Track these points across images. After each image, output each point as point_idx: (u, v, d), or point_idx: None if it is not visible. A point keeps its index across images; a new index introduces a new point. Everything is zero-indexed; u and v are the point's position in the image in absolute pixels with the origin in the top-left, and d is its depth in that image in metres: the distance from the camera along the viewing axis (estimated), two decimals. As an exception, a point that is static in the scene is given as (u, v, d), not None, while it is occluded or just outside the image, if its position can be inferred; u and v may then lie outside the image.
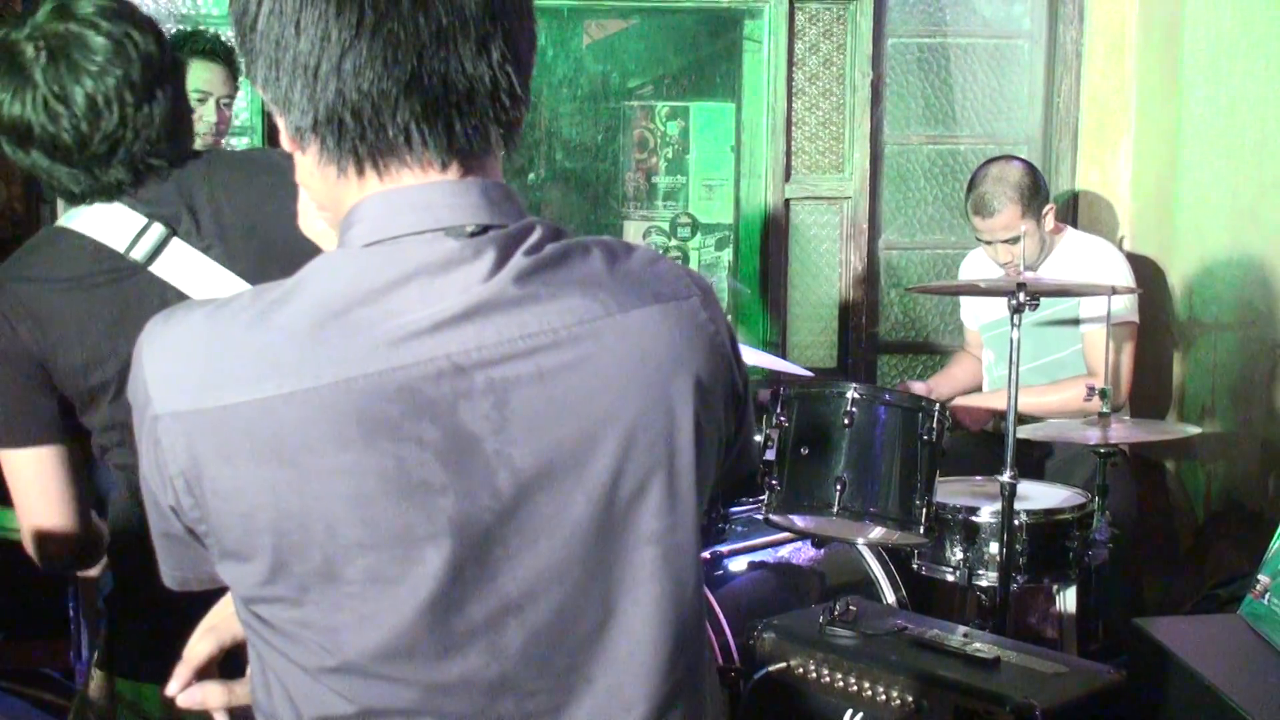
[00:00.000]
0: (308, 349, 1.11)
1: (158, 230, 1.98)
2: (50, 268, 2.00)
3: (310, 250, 1.33)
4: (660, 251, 4.91)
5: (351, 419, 1.11)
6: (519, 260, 1.16)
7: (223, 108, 3.76)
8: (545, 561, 1.16)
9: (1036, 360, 4.12)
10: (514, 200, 1.21)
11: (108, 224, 1.99)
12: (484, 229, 1.16)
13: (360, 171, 1.17)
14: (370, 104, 1.13)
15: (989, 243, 4.11)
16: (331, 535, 1.12)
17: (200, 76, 3.67)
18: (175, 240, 2.00)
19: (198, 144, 3.30)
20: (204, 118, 3.67)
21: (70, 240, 2.00)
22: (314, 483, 1.11)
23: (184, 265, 2.00)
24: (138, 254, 1.98)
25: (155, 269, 1.99)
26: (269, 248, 2.01)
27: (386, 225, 1.16)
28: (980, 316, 4.38)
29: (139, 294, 1.99)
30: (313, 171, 1.20)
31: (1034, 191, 4.05)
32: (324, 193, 1.21)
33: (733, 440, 1.31)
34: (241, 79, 3.75)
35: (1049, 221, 4.12)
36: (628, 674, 1.20)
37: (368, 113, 1.13)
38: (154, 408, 1.14)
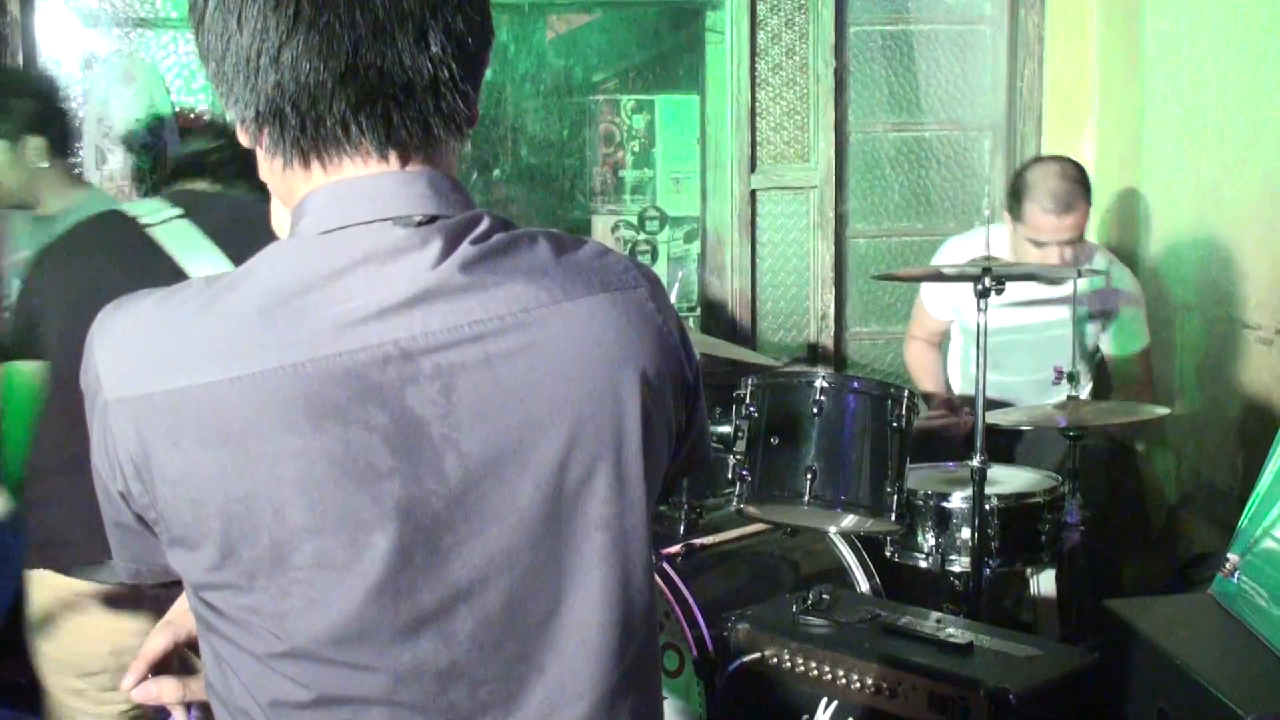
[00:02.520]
0: (255, 334, 1.12)
1: None
2: None
3: None
4: (629, 246, 4.92)
5: (299, 403, 1.12)
6: (466, 249, 1.17)
7: None
8: (494, 547, 1.17)
9: (1038, 374, 4.10)
10: (462, 192, 1.22)
11: None
12: (431, 219, 1.18)
13: (305, 163, 1.19)
14: (308, 95, 1.15)
15: (1042, 245, 3.91)
16: (279, 520, 1.13)
17: None
18: None
19: None
20: None
21: None
22: (262, 467, 1.12)
23: None
24: None
25: None
26: None
27: (335, 215, 1.17)
28: (962, 314, 4.26)
29: None
30: (265, 164, 1.23)
31: (1090, 190, 3.99)
32: (277, 184, 1.24)
33: (685, 430, 1.32)
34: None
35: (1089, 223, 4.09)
36: (578, 660, 1.21)
37: (305, 104, 1.15)
38: (105, 394, 1.15)
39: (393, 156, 1.19)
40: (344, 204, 1.17)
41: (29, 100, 3.74)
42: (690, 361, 1.29)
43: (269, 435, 1.12)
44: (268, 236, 2.10)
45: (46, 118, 3.76)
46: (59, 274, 2.31)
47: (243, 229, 2.19)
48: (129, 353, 1.15)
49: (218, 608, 1.17)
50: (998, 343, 4.14)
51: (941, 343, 4.48)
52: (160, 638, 1.44)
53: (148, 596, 2.29)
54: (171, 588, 1.30)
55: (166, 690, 1.39)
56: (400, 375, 1.13)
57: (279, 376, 1.11)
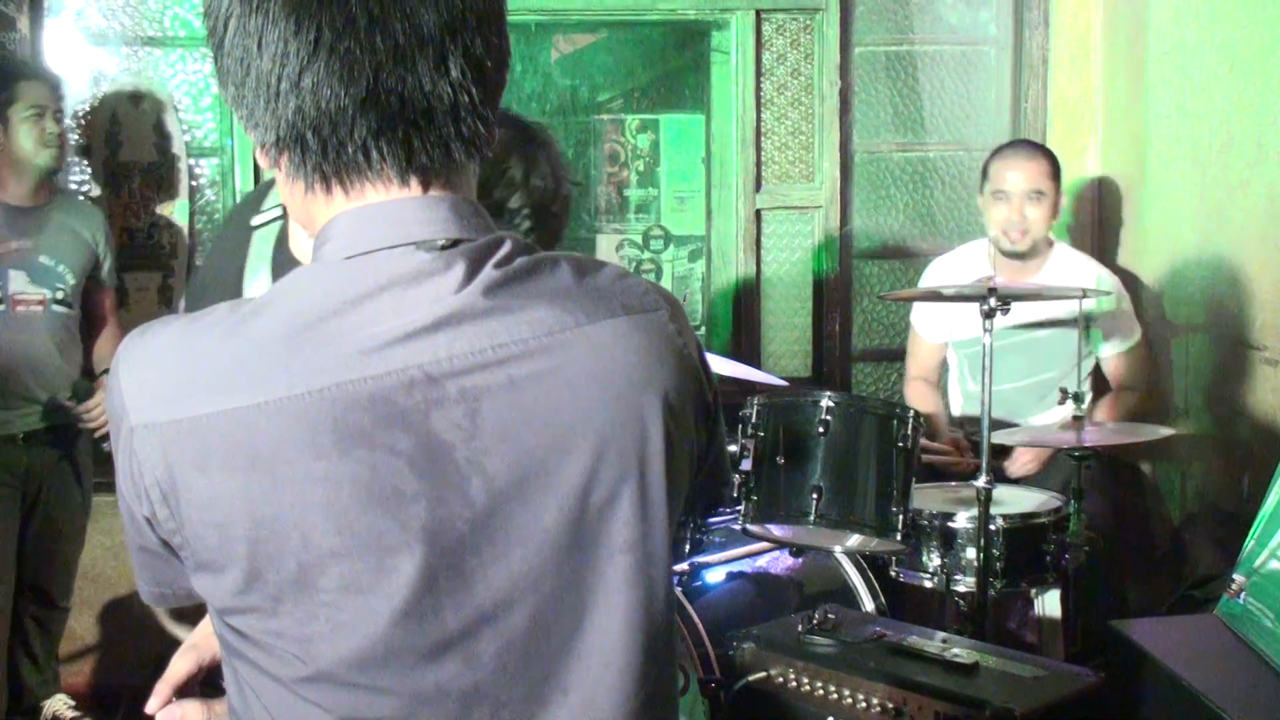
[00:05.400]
0: (281, 359, 1.12)
1: None
2: None
3: None
4: (634, 265, 4.92)
5: (325, 428, 1.12)
6: (489, 273, 1.17)
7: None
8: (519, 570, 1.17)
9: (1030, 378, 4.12)
10: (482, 216, 1.22)
11: None
12: (454, 243, 1.18)
13: (327, 188, 1.19)
14: (329, 120, 1.15)
15: (1004, 196, 4.08)
16: (306, 544, 1.13)
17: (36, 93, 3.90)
18: None
19: (46, 155, 3.81)
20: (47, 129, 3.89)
21: None
22: (288, 491, 1.12)
23: None
24: None
25: None
26: None
27: (358, 240, 1.17)
28: (953, 332, 4.32)
29: None
30: (286, 188, 1.23)
31: (1058, 164, 4.17)
32: (298, 209, 1.24)
33: (705, 452, 1.32)
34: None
35: (1058, 210, 4.17)
36: (601, 685, 1.20)
37: (326, 129, 1.15)
38: (130, 419, 1.15)
39: (414, 181, 1.19)
40: (367, 229, 1.18)
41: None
42: (710, 383, 1.29)
43: (295, 460, 1.12)
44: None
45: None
46: (205, 257, 2.31)
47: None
48: (155, 378, 1.15)
49: (242, 632, 1.17)
50: (977, 353, 4.17)
51: (941, 379, 4.48)
52: (185, 661, 1.44)
53: None
54: None
55: (191, 713, 1.38)
56: (425, 399, 1.13)
57: (305, 401, 1.12)
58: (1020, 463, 4.09)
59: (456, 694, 1.17)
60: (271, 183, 2.23)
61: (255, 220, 2.16)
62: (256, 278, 2.15)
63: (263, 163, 1.23)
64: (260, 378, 1.12)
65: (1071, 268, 4.18)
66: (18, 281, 3.85)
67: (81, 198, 4.37)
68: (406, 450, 1.13)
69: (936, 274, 4.35)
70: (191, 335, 1.16)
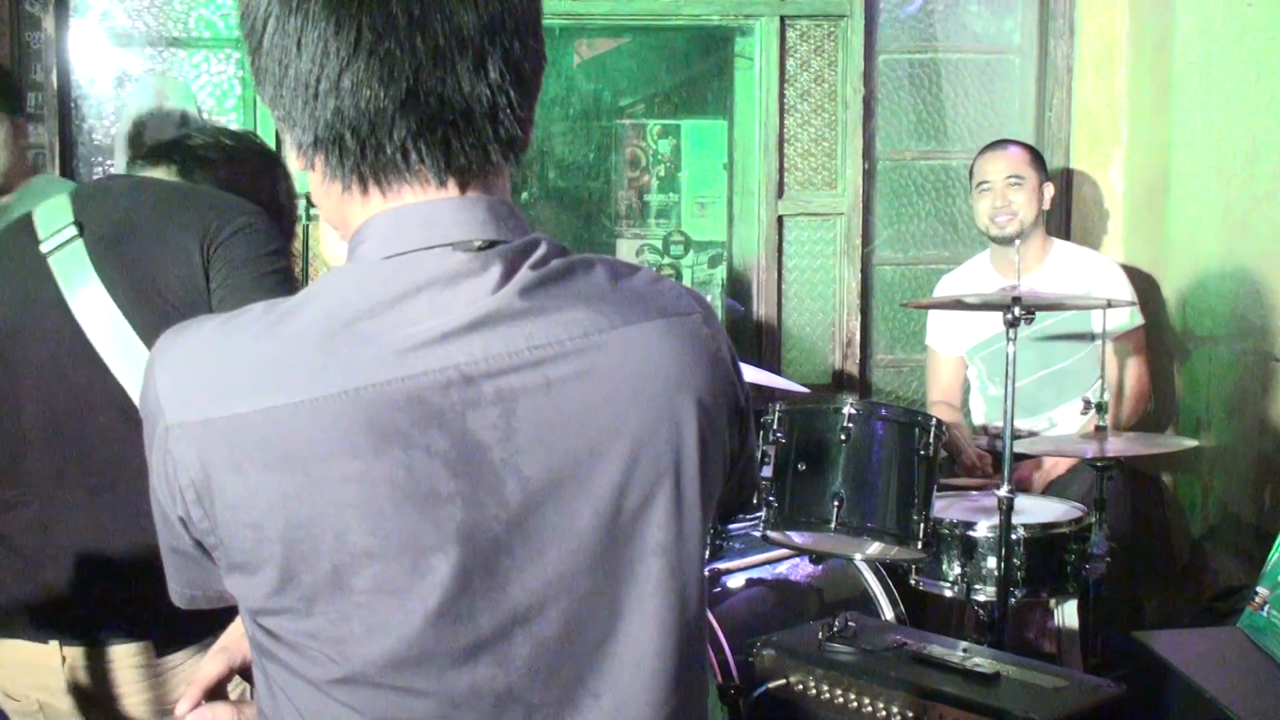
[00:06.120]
0: (317, 359, 1.12)
1: None
2: None
3: None
4: (653, 269, 4.95)
5: (361, 428, 1.12)
6: (525, 274, 1.17)
7: None
8: (553, 572, 1.16)
9: (1044, 370, 4.13)
10: (518, 217, 1.22)
11: None
12: (491, 244, 1.18)
13: (364, 189, 1.19)
14: (368, 121, 1.15)
15: (987, 187, 4.21)
16: (340, 544, 1.12)
17: None
18: None
19: None
20: None
21: None
22: (324, 491, 1.12)
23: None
24: None
25: None
26: None
27: (395, 241, 1.17)
28: (967, 339, 4.35)
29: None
30: (320, 189, 1.22)
31: (1040, 156, 4.31)
32: (332, 210, 1.24)
33: (737, 455, 1.32)
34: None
35: (1046, 199, 4.22)
36: (633, 689, 1.20)
37: (365, 130, 1.15)
38: (165, 419, 1.15)
39: (451, 183, 1.19)
40: (404, 230, 1.17)
41: (7, 80, 3.74)
42: (742, 387, 1.29)
43: (331, 459, 1.11)
44: (156, 239, 2.08)
45: (17, 98, 3.74)
46: None
47: (122, 245, 2.14)
48: (191, 378, 1.15)
49: (275, 633, 1.17)
50: (992, 353, 4.18)
51: (964, 402, 4.48)
52: (215, 664, 1.44)
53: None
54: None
55: (221, 716, 1.38)
56: (462, 399, 1.13)
57: (341, 401, 1.11)
58: (1046, 469, 4.09)
59: (489, 696, 1.16)
60: (22, 219, 2.22)
61: (45, 246, 2.14)
62: (79, 292, 2.11)
63: (297, 164, 1.23)
64: (297, 377, 1.12)
65: (1074, 261, 4.22)
66: None
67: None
68: (442, 450, 1.13)
69: (945, 290, 4.41)
70: (227, 334, 1.16)
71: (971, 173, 4.34)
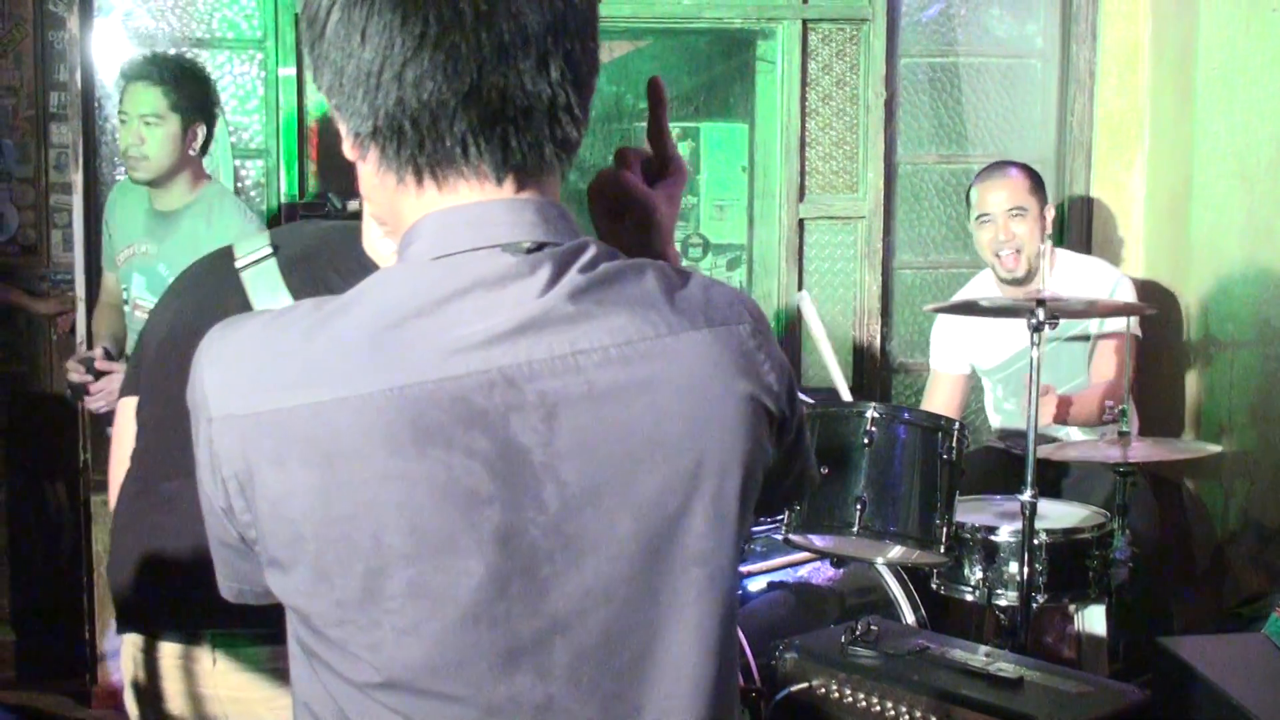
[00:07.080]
0: (363, 357, 1.13)
1: None
2: None
3: None
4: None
5: (404, 426, 1.12)
6: (573, 277, 1.17)
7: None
8: (591, 580, 1.16)
9: (1046, 372, 4.11)
10: (568, 219, 1.22)
11: None
12: (540, 246, 1.17)
13: (419, 181, 1.19)
14: (429, 113, 1.15)
15: (987, 219, 4.12)
16: (376, 544, 1.12)
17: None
18: None
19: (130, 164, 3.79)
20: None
21: None
22: (363, 489, 1.12)
23: None
24: None
25: None
26: None
27: (445, 242, 1.17)
28: (980, 361, 4.32)
29: None
30: (373, 181, 1.22)
31: (1039, 178, 4.18)
32: (384, 203, 1.24)
33: (785, 470, 1.32)
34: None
35: (1048, 223, 4.13)
36: (674, 699, 1.19)
37: (426, 121, 1.15)
38: (210, 411, 1.16)
39: (507, 181, 1.19)
40: (454, 230, 1.18)
41: (209, 89, 3.86)
42: (791, 399, 1.28)
43: (372, 457, 1.12)
44: (334, 267, 2.12)
45: (212, 111, 3.87)
46: (162, 315, 2.30)
47: (310, 262, 2.20)
48: (237, 371, 1.16)
49: (319, 631, 1.17)
50: (1016, 371, 4.15)
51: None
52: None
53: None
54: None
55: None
56: (505, 402, 1.13)
57: (385, 399, 1.11)
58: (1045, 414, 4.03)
59: (529, 707, 1.16)
60: (224, 248, 2.29)
61: (239, 263, 2.20)
62: (268, 303, 2.18)
63: (350, 154, 1.23)
64: (342, 374, 1.12)
65: (1081, 270, 4.17)
66: (138, 286, 3.89)
67: (233, 201, 4.04)
68: (484, 452, 1.13)
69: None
70: (275, 330, 1.17)
71: (969, 199, 4.25)
